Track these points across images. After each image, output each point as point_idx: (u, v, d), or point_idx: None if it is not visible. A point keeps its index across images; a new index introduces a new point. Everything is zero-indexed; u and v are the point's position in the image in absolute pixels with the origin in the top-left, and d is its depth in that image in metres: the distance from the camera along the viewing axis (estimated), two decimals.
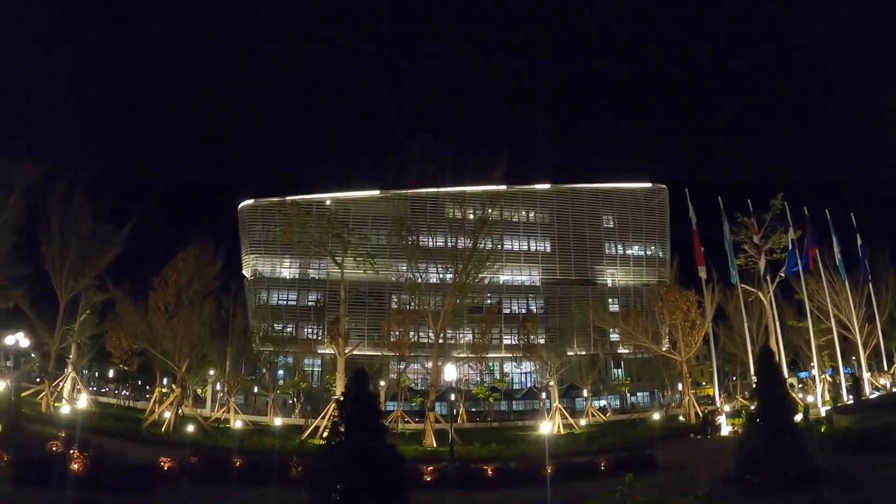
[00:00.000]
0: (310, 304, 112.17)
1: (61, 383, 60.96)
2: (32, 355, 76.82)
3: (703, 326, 62.36)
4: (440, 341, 54.30)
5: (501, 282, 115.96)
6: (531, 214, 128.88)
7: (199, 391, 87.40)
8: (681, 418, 61.78)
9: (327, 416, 46.64)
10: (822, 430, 35.20)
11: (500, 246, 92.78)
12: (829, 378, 67.17)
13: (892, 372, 73.11)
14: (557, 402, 65.92)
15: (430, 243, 58.23)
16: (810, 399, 60.67)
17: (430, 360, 58.05)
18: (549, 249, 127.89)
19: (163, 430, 46.50)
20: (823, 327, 66.32)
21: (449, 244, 55.55)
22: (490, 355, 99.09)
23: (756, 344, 62.27)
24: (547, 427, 51.74)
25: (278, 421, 64.63)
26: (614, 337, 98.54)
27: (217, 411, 72.38)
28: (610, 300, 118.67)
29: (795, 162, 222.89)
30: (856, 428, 30.56)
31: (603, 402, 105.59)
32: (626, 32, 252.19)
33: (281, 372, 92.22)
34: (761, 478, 21.47)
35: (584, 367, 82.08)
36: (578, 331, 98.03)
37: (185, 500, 21.91)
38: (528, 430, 60.10)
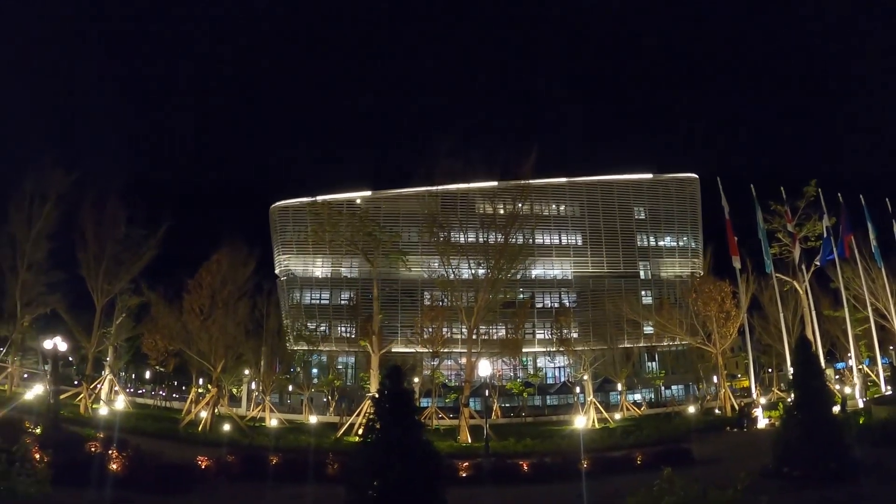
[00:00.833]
0: (343, 302, 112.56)
1: (99, 385, 61.79)
2: (70, 359, 77.90)
3: (738, 317, 61.71)
4: (473, 337, 54.21)
5: (533, 276, 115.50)
6: (562, 208, 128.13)
7: (234, 391, 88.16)
8: (716, 411, 61.24)
9: (362, 414, 46.80)
10: (860, 421, 34.73)
11: (531, 240, 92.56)
12: (866, 368, 66.16)
13: None
14: (592, 397, 65.68)
15: (462, 239, 58.16)
16: (847, 390, 59.90)
17: (464, 356, 57.97)
18: (580, 243, 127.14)
19: (199, 429, 46.98)
20: (860, 316, 65.36)
21: (480, 239, 55.50)
22: (523, 350, 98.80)
23: (792, 335, 61.59)
24: (581, 421, 51.60)
25: (313, 419, 65.02)
26: (648, 330, 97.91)
27: (252, 410, 72.98)
28: (643, 292, 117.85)
29: (828, 147, 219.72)
30: (894, 419, 30.06)
31: (637, 396, 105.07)
32: (656, 20, 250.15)
33: (315, 370, 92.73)
34: (799, 471, 21.21)
35: (618, 360, 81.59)
36: (612, 324, 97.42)
37: (222, 498, 22.08)
38: (563, 425, 59.95)
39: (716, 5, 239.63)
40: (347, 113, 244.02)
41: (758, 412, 49.33)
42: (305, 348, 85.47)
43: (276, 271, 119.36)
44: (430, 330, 74.56)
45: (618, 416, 69.53)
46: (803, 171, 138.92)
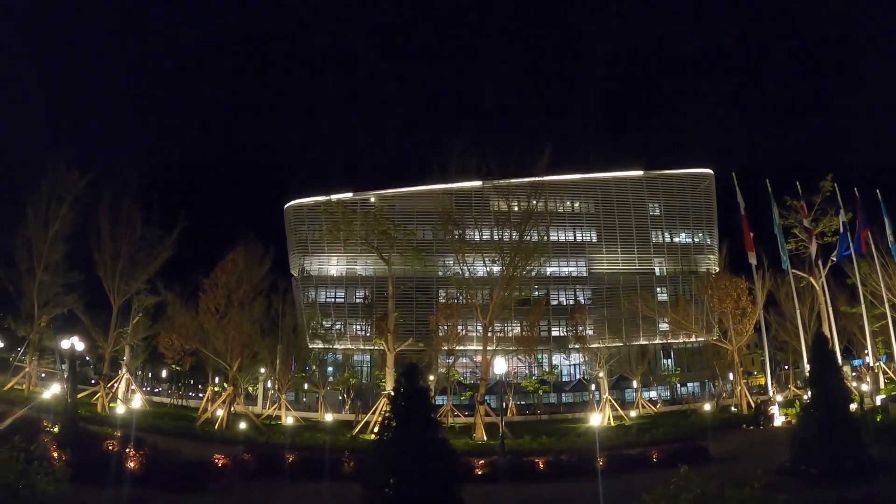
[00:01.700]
0: (358, 300, 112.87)
1: (116, 384, 62.14)
2: (87, 358, 78.38)
3: (755, 314, 61.33)
4: (489, 334, 54.17)
5: (548, 273, 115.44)
6: (576, 204, 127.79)
7: (250, 389, 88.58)
8: (732, 409, 60.94)
9: (378, 412, 46.87)
10: (878, 419, 34.55)
11: (546, 237, 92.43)
12: (883, 365, 65.64)
13: None
14: (607, 394, 65.53)
15: (476, 237, 58.14)
16: (864, 388, 59.51)
17: (479, 354, 58.00)
18: (595, 239, 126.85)
19: (216, 427, 47.17)
20: (877, 312, 64.72)
21: (495, 237, 55.45)
22: (539, 347, 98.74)
23: (808, 331, 61.19)
24: (597, 419, 51.53)
25: (329, 417, 65.26)
26: (663, 326, 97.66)
27: (268, 408, 73.32)
28: (658, 289, 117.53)
29: (844, 142, 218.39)
30: None
31: (653, 394, 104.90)
32: (672, 15, 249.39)
33: (330, 368, 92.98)
34: (817, 469, 21.14)
35: (634, 357, 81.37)
36: (627, 321, 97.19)
37: (239, 496, 22.17)
38: (578, 423, 59.79)
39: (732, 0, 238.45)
40: (362, 112, 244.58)
41: (774, 410, 49.15)
42: (321, 346, 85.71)
43: (291, 270, 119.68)
44: (446, 328, 74.64)
45: (633, 413, 69.35)
46: (819, 165, 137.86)
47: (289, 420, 60.92)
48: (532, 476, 27.16)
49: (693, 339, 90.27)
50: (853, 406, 31.21)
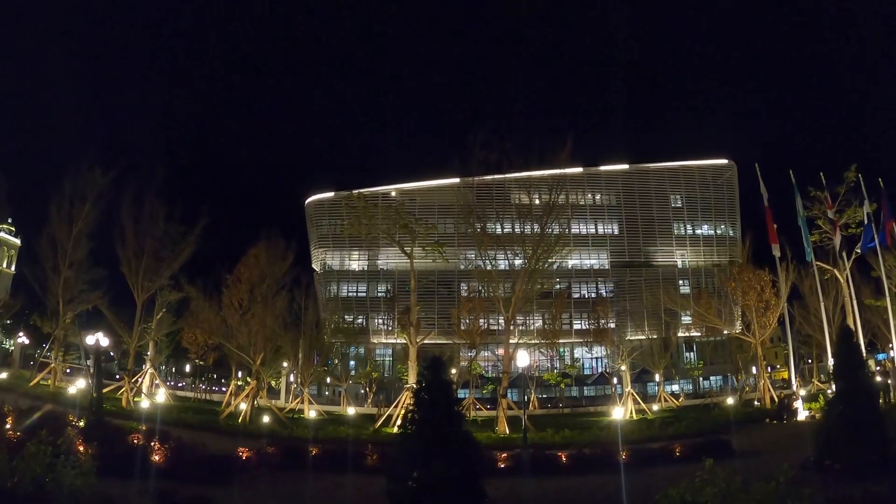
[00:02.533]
0: (379, 294, 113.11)
1: (140, 379, 62.61)
2: (111, 354, 79.04)
3: (778, 307, 60.80)
4: (511, 327, 54.07)
5: (570, 266, 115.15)
6: (598, 197, 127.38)
7: (273, 383, 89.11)
8: (756, 403, 60.61)
9: (401, 405, 46.95)
10: None
11: (567, 230, 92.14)
12: None
13: None
14: (629, 387, 65.35)
15: (498, 230, 57.99)
16: (889, 382, 58.89)
17: (501, 347, 57.90)
18: (617, 232, 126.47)
19: (239, 421, 47.36)
20: None
21: (517, 230, 55.30)
22: (561, 341, 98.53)
23: (832, 324, 60.59)
24: (619, 413, 51.41)
25: (351, 410, 65.43)
26: (686, 319, 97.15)
27: (291, 402, 73.62)
28: (681, 282, 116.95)
29: (869, 132, 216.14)
30: None
31: (675, 387, 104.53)
32: (693, 6, 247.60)
33: (353, 362, 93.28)
34: (841, 464, 20.97)
35: (656, 351, 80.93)
36: (649, 314, 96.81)
37: (264, 488, 22.30)
38: (601, 416, 59.70)
39: None
40: (383, 106, 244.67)
41: (798, 404, 48.76)
42: (343, 340, 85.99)
43: (313, 265, 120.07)
44: (468, 321, 74.64)
45: (656, 407, 69.13)
46: (844, 156, 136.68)
47: (311, 414, 61.13)
48: (555, 470, 27.14)
49: (716, 333, 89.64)
50: (879, 401, 30.90)
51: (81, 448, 18.24)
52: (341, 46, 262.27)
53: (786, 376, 74.78)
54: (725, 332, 74.39)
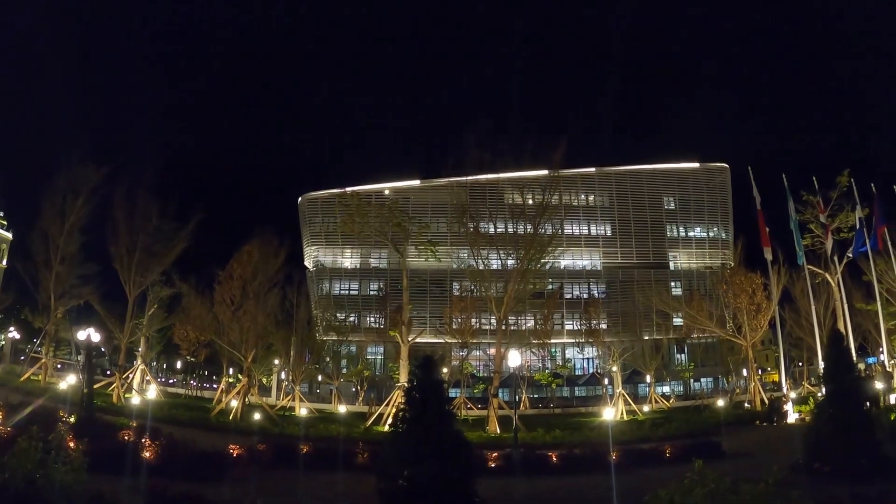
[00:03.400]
0: (372, 293, 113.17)
1: (131, 375, 62.53)
2: (103, 349, 78.90)
3: (769, 310, 61.07)
4: (503, 327, 54.15)
5: (562, 267, 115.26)
6: (591, 198, 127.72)
7: (264, 380, 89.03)
8: (746, 405, 60.77)
9: (392, 404, 47.00)
10: (893, 418, 34.35)
11: (560, 230, 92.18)
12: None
13: None
14: (620, 388, 65.55)
15: (491, 229, 58.04)
16: (879, 386, 59.20)
17: (493, 347, 57.98)
18: (609, 233, 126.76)
19: (230, 418, 47.39)
20: (893, 310, 64.49)
21: (509, 230, 55.37)
22: (552, 341, 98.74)
23: (823, 328, 60.95)
24: (610, 413, 51.61)
25: (342, 409, 65.49)
26: (677, 321, 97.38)
27: (282, 399, 73.57)
28: (672, 283, 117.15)
29: (862, 136, 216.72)
30: None
31: (666, 389, 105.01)
32: (687, 9, 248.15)
33: (344, 360, 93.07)
34: (830, 467, 21.12)
35: (647, 352, 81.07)
36: (641, 315, 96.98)
37: (255, 485, 22.29)
38: (592, 417, 59.84)
39: None
40: (377, 104, 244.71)
41: (788, 407, 48.97)
42: (335, 338, 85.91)
43: (306, 262, 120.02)
44: (460, 320, 74.67)
45: (646, 408, 69.23)
46: (836, 160, 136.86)
47: (303, 411, 61.17)
48: (545, 469, 27.21)
49: (707, 335, 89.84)
50: (867, 404, 31.07)
51: (72, 444, 18.17)
52: (338, 44, 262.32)
53: (776, 379, 74.99)
54: (716, 334, 74.43)
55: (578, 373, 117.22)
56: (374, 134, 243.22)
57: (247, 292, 55.36)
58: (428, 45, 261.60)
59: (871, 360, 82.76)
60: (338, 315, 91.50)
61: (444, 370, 79.97)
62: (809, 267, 61.40)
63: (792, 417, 47.26)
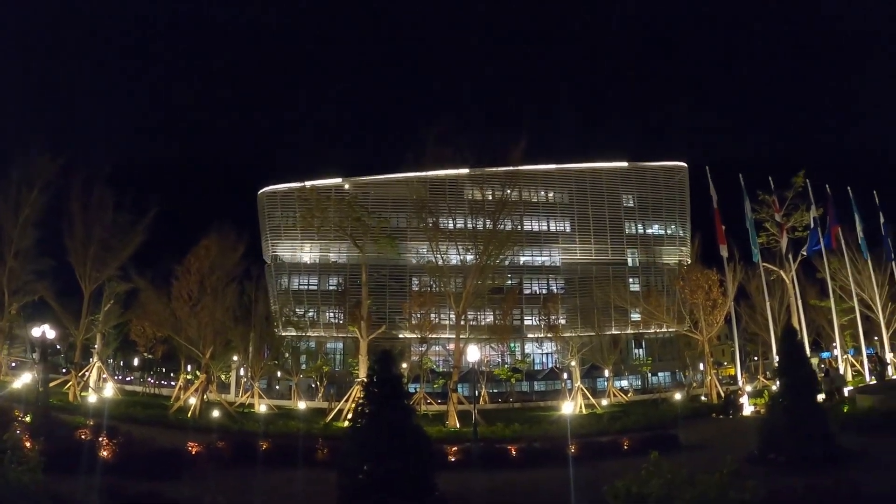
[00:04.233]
0: (331, 287, 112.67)
1: (87, 373, 61.69)
2: (58, 347, 77.70)
3: (725, 306, 62.02)
4: (462, 322, 54.28)
5: (522, 262, 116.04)
6: (551, 194, 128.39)
7: (223, 377, 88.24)
8: (702, 398, 61.61)
9: (351, 399, 46.88)
10: (845, 410, 35.08)
11: (520, 226, 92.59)
12: (851, 358, 66.78)
13: None
14: (579, 383, 65.94)
15: (450, 225, 58.12)
16: (833, 379, 60.43)
17: (452, 342, 58.10)
18: (568, 229, 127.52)
19: (189, 415, 46.91)
20: (846, 307, 65.85)
21: (469, 225, 55.49)
22: (511, 336, 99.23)
23: (778, 323, 61.96)
24: (569, 407, 51.81)
25: (302, 405, 65.19)
26: (635, 317, 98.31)
27: (241, 396, 72.99)
28: (631, 280, 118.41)
29: (817, 138, 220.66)
30: (878, 408, 30.51)
31: (624, 383, 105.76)
32: (645, 9, 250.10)
33: (304, 356, 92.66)
34: (785, 457, 21.55)
35: (606, 347, 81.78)
36: (599, 311, 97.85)
37: (213, 483, 22.15)
38: (551, 411, 60.17)
39: None
40: (338, 98, 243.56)
41: (743, 400, 49.69)
42: (294, 334, 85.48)
43: (265, 257, 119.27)
44: (419, 315, 74.69)
45: (605, 402, 69.78)
46: (792, 161, 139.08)
47: (262, 408, 60.81)
48: (505, 463, 27.35)
49: (664, 330, 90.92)
50: (820, 397, 31.74)
51: (28, 444, 17.99)
52: (299, 38, 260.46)
53: (732, 373, 76.12)
54: (674, 329, 75.34)
55: (538, 368, 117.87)
56: (335, 128, 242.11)
57: (204, 287, 54.66)
58: (390, 40, 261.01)
59: (824, 354, 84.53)
60: (297, 310, 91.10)
61: (404, 365, 79.99)
62: (765, 264, 62.41)
63: (747, 410, 47.95)
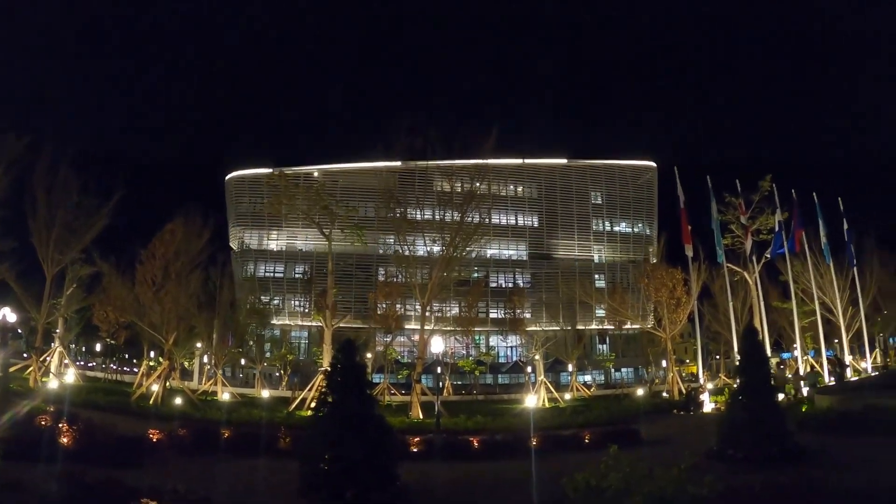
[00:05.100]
0: (297, 276, 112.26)
1: (48, 358, 60.84)
2: (19, 331, 76.62)
3: (689, 304, 62.64)
4: (427, 314, 54.29)
5: (489, 255, 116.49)
6: (519, 189, 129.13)
7: (186, 364, 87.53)
8: (664, 394, 62.22)
9: (315, 388, 46.73)
10: (803, 409, 35.64)
11: (488, 220, 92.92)
12: (811, 359, 68.01)
13: (874, 357, 74.35)
14: (543, 376, 66.29)
15: (418, 216, 58.06)
16: (791, 378, 61.66)
17: (417, 333, 58.07)
18: (536, 224, 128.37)
19: (151, 402, 46.48)
20: (807, 309, 67.05)
21: (437, 217, 55.46)
22: (476, 329, 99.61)
23: (740, 323, 62.88)
24: (532, 400, 52.24)
25: (265, 393, 64.94)
26: (600, 313, 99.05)
27: (204, 384, 72.47)
28: (596, 276, 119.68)
29: (785, 144, 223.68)
30: (836, 409, 31.02)
31: (588, 377, 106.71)
32: (618, 9, 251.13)
33: (268, 344, 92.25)
34: (743, 454, 21.86)
35: (570, 341, 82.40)
36: (564, 306, 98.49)
37: (175, 471, 22.00)
38: (514, 404, 60.47)
39: None
40: (309, 86, 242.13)
41: (704, 397, 50.31)
42: (259, 322, 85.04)
43: (231, 243, 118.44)
44: (384, 306, 74.63)
45: (568, 396, 70.17)
46: (761, 165, 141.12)
47: (225, 396, 60.43)
48: (467, 455, 27.40)
49: (628, 326, 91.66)
50: (780, 396, 32.26)
51: None
52: (268, 21, 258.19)
53: (694, 370, 77.06)
54: (637, 326, 76.09)
55: (502, 360, 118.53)
56: (304, 116, 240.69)
57: (169, 272, 53.94)
58: (360, 27, 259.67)
59: (785, 355, 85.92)
60: (262, 298, 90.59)
61: (368, 355, 79.89)
62: (729, 265, 63.25)
63: (708, 407, 48.55)
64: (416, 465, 22.70)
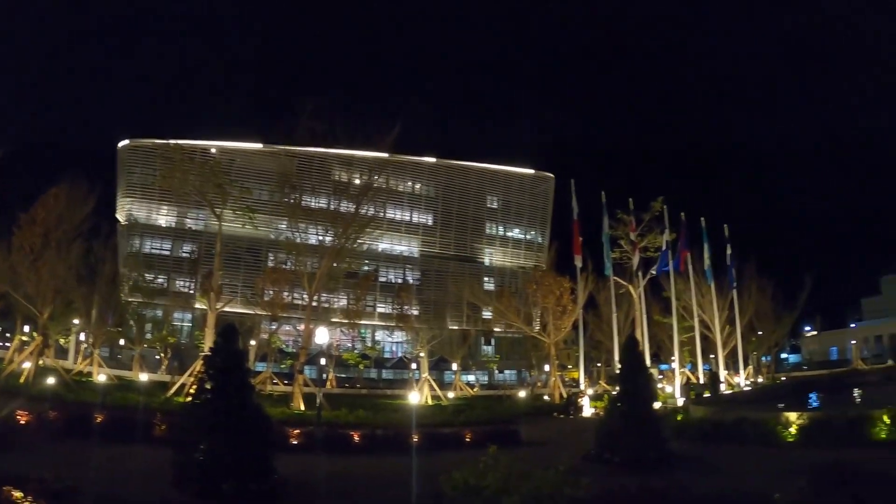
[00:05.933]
0: (184, 255, 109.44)
1: None
2: None
3: (574, 313, 64.20)
4: (314, 304, 53.74)
5: (380, 250, 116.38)
6: (416, 186, 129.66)
7: (61, 341, 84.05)
8: (546, 398, 63.41)
9: (195, 374, 45.69)
10: (679, 418, 36.85)
11: (382, 214, 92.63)
12: (687, 372, 70.72)
13: (747, 373, 78.20)
14: (427, 374, 66.60)
15: (313, 203, 57.41)
16: (668, 389, 64.05)
17: (303, 323, 57.39)
18: (430, 222, 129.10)
19: (21, 381, 44.63)
20: (686, 325, 70.27)
21: (331, 206, 54.96)
22: (363, 322, 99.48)
23: (622, 334, 64.59)
24: (415, 397, 52.36)
25: (144, 376, 62.82)
26: (487, 314, 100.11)
27: (80, 363, 69.60)
28: (486, 278, 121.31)
29: (680, 169, 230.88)
30: (710, 419, 32.17)
31: (471, 377, 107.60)
32: (534, 17, 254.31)
33: (149, 325, 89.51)
34: (620, 458, 22.52)
35: (455, 341, 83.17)
36: (452, 305, 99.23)
37: (43, 457, 21.10)
38: (397, 399, 60.50)
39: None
40: (219, 60, 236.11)
41: (584, 401, 51.57)
42: (141, 300, 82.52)
43: (118, 214, 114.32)
44: (271, 292, 73.55)
45: (451, 394, 70.69)
46: (655, 186, 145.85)
47: (101, 377, 58.42)
48: (347, 449, 27.32)
49: (514, 330, 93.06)
50: (657, 405, 33.29)
51: None
52: None
53: (576, 376, 78.58)
54: (523, 330, 77.26)
55: (387, 356, 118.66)
56: (205, 89, 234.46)
57: (49, 240, 51.78)
58: (275, 10, 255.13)
59: (663, 366, 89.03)
60: (146, 275, 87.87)
61: (252, 342, 78.65)
62: (615, 278, 65.42)
63: (587, 412, 49.80)
64: (296, 458, 22.50)
